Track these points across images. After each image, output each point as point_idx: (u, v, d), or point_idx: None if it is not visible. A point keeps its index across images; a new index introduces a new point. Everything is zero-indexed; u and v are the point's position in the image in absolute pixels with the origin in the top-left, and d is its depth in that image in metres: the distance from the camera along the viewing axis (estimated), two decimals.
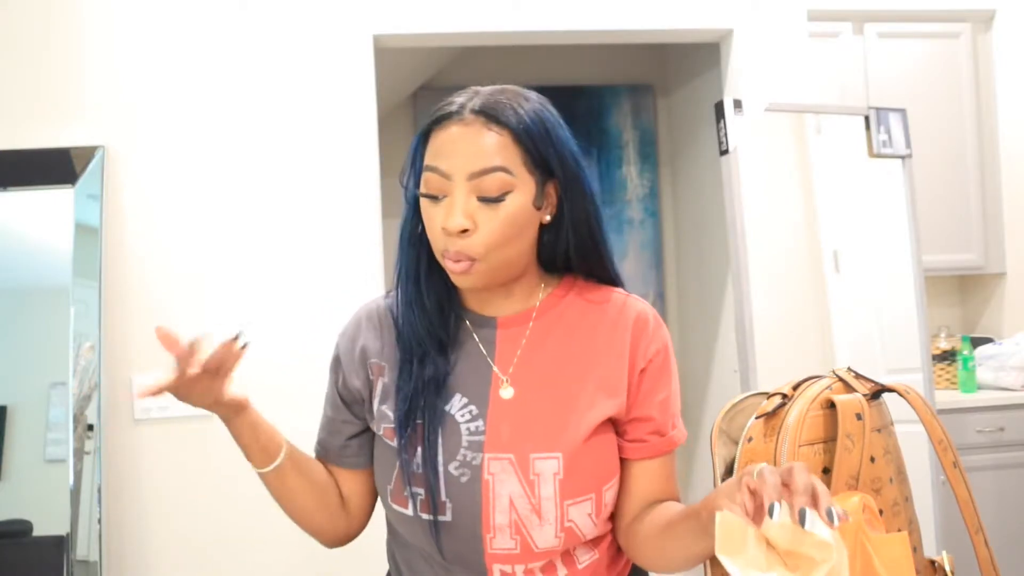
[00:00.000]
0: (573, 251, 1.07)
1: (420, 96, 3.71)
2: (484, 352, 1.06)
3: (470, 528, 1.00)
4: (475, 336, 1.07)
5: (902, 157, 2.68)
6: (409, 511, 1.02)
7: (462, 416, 1.02)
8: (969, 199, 3.18)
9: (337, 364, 1.12)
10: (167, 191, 2.50)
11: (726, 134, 2.44)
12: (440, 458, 1.01)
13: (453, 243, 0.97)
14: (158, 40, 2.52)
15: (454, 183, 0.97)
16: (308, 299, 2.51)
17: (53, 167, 2.40)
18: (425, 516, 1.01)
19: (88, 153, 2.43)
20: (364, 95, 2.59)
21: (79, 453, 2.26)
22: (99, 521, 2.25)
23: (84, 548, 2.22)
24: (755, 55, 2.80)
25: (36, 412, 2.29)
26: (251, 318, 2.50)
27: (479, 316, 1.08)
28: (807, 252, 2.70)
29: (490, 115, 0.97)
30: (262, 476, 1.08)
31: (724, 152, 2.45)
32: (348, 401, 1.10)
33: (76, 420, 2.26)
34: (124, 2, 2.51)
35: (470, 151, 0.96)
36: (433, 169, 0.98)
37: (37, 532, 2.23)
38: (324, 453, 1.13)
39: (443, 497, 1.00)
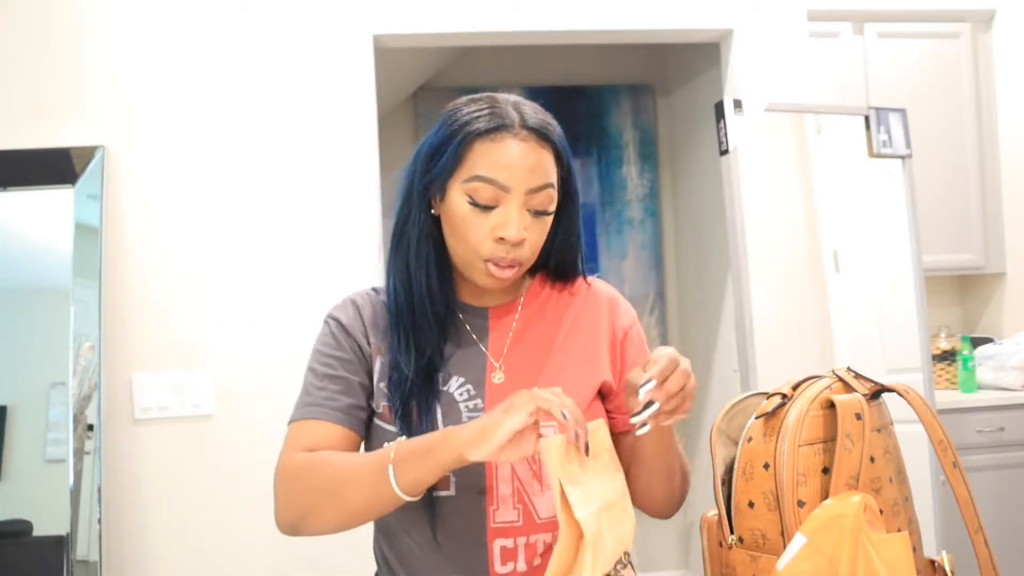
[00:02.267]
0: (559, 248, 1.15)
1: (420, 96, 3.71)
2: (477, 340, 1.11)
3: (473, 500, 1.03)
4: (467, 326, 1.12)
5: (902, 157, 2.68)
6: None
7: (460, 395, 1.07)
8: (969, 199, 3.18)
9: (344, 331, 1.11)
10: (167, 191, 2.50)
11: (726, 134, 2.44)
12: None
13: (508, 251, 1.04)
14: (158, 40, 2.52)
15: (511, 195, 1.03)
16: (308, 299, 2.51)
17: (53, 167, 2.40)
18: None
19: (88, 153, 2.43)
20: (364, 95, 2.59)
21: (79, 453, 2.26)
22: (99, 521, 2.25)
23: (84, 548, 2.22)
24: (755, 55, 2.80)
25: (36, 412, 2.29)
26: (251, 318, 2.51)
27: (472, 307, 1.13)
28: (807, 252, 2.70)
29: (541, 133, 1.05)
30: (397, 500, 0.97)
31: (724, 152, 2.45)
32: (363, 367, 1.10)
33: (76, 420, 2.26)
34: (124, 2, 2.51)
35: (530, 167, 1.03)
36: (491, 181, 1.03)
37: (37, 532, 2.23)
38: (332, 412, 1.06)
39: None
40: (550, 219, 1.08)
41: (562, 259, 1.16)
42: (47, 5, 2.48)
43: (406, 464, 0.95)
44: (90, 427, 2.29)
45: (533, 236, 1.05)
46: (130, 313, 2.45)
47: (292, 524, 1.03)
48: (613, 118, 3.90)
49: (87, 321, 2.33)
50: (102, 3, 2.50)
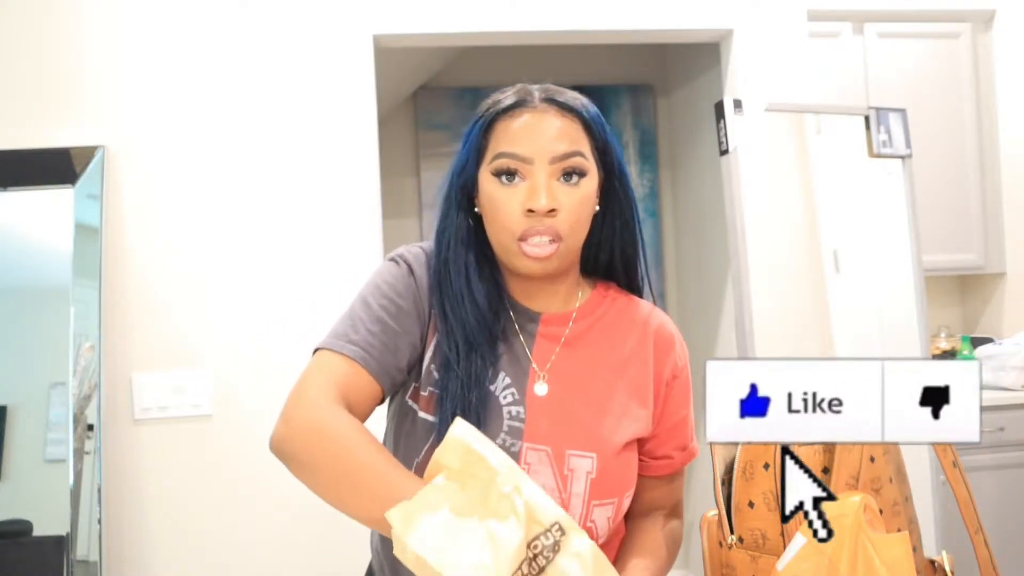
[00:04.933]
0: (616, 249, 1.10)
1: (420, 96, 3.71)
2: (524, 344, 1.06)
3: None
4: (516, 326, 1.07)
5: (902, 157, 2.68)
6: None
7: (504, 398, 1.03)
8: (969, 199, 3.18)
9: (413, 281, 1.05)
10: (167, 191, 2.50)
11: (726, 134, 2.44)
12: None
13: (541, 222, 0.99)
14: (158, 40, 2.52)
15: (535, 167, 1.00)
16: (308, 299, 2.51)
17: (53, 167, 2.40)
18: None
19: (88, 153, 2.43)
20: (364, 95, 2.59)
21: (79, 453, 2.26)
22: (99, 521, 2.25)
23: (84, 548, 2.22)
24: (755, 55, 2.80)
25: (36, 412, 2.29)
26: (251, 318, 2.51)
27: (524, 308, 1.08)
28: (807, 252, 2.70)
29: (562, 104, 1.03)
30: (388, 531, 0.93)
31: (724, 152, 2.45)
32: (419, 326, 1.04)
33: (76, 420, 2.26)
34: (124, 2, 2.51)
35: (551, 135, 1.01)
36: (511, 155, 1.01)
37: (37, 532, 2.22)
38: (371, 361, 1.00)
39: None
40: (586, 188, 1.02)
41: (622, 258, 1.11)
42: (47, 5, 2.48)
43: None
44: (90, 427, 2.28)
45: (566, 203, 1.00)
46: (130, 313, 2.45)
47: (286, 458, 0.97)
48: (613, 118, 3.90)
49: (87, 321, 2.33)
50: (102, 3, 2.50)
